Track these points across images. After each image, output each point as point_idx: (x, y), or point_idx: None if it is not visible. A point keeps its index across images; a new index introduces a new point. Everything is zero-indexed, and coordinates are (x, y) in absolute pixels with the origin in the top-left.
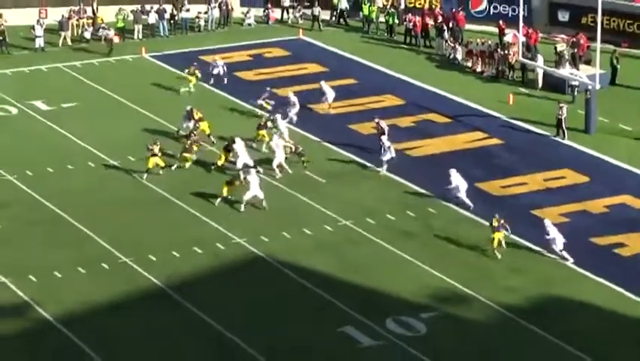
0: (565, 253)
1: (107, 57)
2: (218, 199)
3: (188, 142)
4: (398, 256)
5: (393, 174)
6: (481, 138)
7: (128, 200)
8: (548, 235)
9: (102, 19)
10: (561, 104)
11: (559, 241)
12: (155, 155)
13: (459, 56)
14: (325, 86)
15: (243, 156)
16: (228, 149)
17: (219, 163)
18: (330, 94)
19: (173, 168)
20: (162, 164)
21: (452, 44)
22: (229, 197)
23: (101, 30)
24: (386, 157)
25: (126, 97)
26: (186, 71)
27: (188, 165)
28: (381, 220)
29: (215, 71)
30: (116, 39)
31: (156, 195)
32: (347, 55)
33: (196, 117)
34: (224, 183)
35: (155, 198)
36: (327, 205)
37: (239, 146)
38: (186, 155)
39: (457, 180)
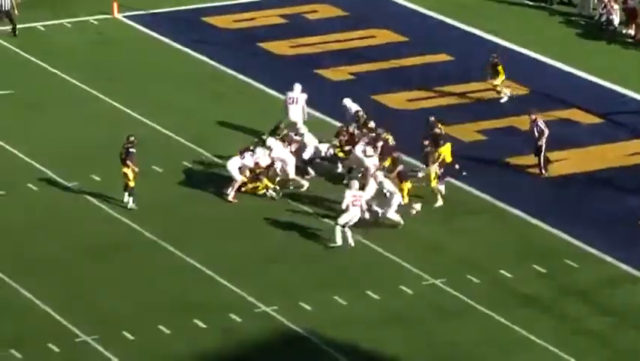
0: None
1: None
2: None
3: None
4: (517, 335)
5: (509, 204)
6: None
7: (92, 244)
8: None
9: None
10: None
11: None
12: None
13: (616, 20)
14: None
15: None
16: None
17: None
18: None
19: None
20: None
21: (605, 1)
22: None
23: None
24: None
25: (90, 82)
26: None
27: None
28: (491, 278)
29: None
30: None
31: (139, 238)
32: (437, 16)
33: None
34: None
35: (136, 243)
36: (405, 254)
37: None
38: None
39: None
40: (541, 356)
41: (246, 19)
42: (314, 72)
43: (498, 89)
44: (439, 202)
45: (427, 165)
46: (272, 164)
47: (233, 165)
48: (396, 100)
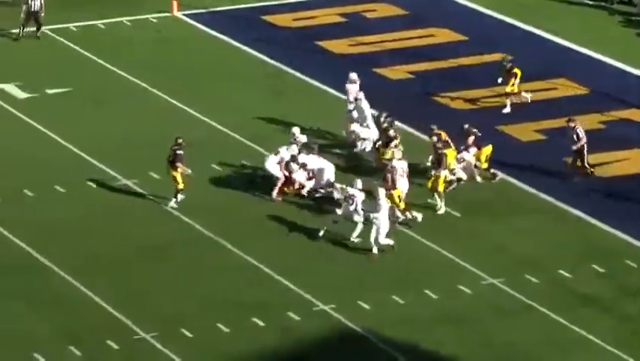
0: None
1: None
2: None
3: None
4: (575, 335)
5: (567, 204)
6: None
7: (150, 242)
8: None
9: None
10: None
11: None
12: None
13: None
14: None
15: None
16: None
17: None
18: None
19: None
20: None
21: None
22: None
23: None
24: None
25: (149, 80)
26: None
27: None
28: (550, 278)
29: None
30: None
31: (197, 236)
32: (497, 15)
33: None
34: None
35: (194, 241)
36: (464, 253)
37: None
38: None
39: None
40: (600, 356)
41: (305, 17)
42: (372, 71)
43: (522, 92)
44: (442, 209)
45: (439, 167)
46: (310, 177)
47: (270, 164)
48: (454, 99)
